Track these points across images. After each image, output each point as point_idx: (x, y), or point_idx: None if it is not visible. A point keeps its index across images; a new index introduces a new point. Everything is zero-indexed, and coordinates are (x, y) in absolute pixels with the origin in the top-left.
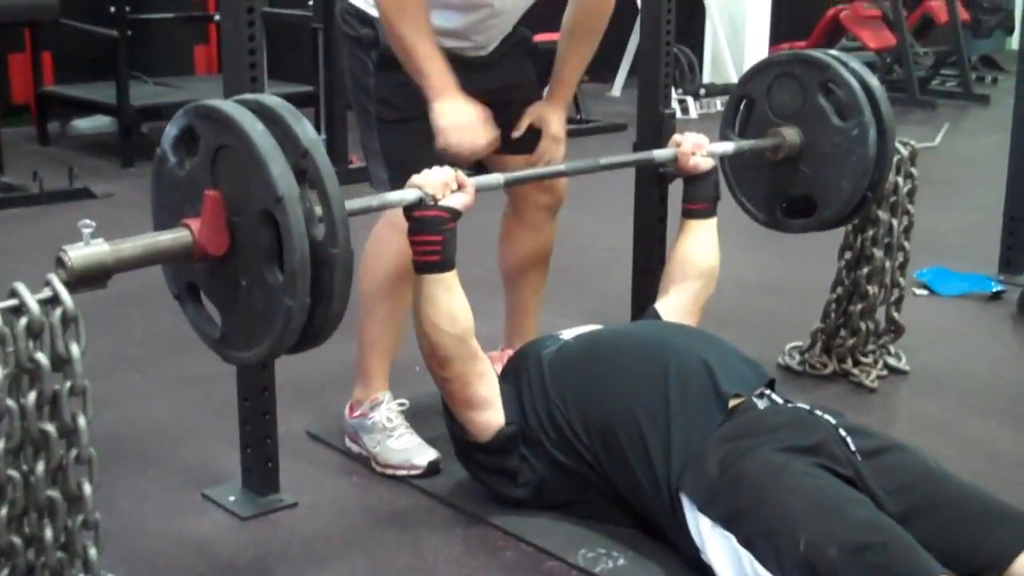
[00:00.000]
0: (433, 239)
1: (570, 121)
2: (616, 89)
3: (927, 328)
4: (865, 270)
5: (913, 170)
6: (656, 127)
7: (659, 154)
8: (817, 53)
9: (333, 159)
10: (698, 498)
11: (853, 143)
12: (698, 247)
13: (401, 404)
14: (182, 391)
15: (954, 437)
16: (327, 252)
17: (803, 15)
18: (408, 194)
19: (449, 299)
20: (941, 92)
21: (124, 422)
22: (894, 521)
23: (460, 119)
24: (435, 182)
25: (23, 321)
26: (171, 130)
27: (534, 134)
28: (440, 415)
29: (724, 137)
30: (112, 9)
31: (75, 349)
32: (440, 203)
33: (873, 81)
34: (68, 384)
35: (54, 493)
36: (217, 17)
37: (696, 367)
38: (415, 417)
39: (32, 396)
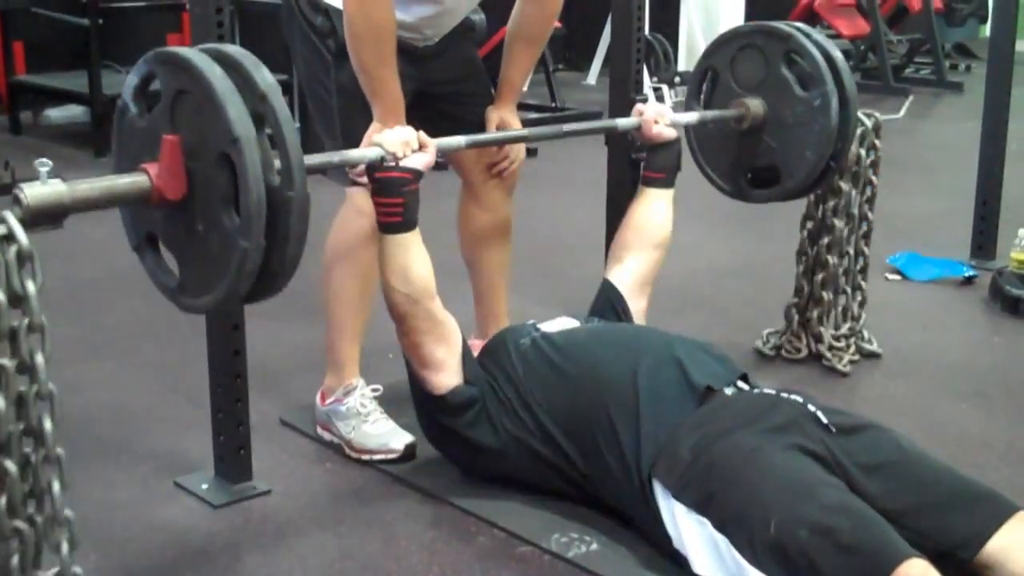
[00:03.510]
0: (395, 201)
1: (546, 109)
2: (591, 78)
3: (899, 313)
4: (826, 240)
5: (877, 142)
6: (628, 113)
7: (623, 122)
8: (780, 24)
9: (308, 148)
10: (672, 484)
11: (816, 113)
12: (655, 217)
13: (375, 390)
14: (153, 378)
15: (925, 420)
16: (284, 195)
17: (777, 3)
18: (369, 152)
19: (404, 258)
20: (915, 80)
21: (95, 409)
22: (866, 504)
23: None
24: (395, 140)
25: None
26: (132, 79)
27: (481, 124)
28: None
29: (689, 109)
30: None
31: (31, 286)
32: (401, 163)
33: (835, 52)
34: (26, 321)
35: (13, 427)
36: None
37: (668, 362)
38: (387, 404)
39: None
